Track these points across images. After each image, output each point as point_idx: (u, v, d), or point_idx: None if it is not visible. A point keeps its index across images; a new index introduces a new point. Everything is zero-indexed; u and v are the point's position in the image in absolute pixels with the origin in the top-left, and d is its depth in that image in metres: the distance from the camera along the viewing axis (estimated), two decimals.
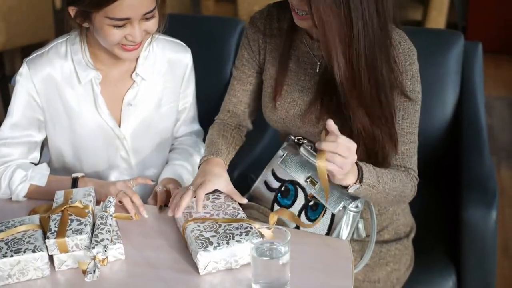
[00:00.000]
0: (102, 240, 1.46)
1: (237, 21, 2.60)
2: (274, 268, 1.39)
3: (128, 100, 1.86)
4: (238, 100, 1.84)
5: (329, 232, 1.67)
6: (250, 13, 2.00)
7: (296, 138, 1.75)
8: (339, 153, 1.44)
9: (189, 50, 1.95)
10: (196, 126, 2.08)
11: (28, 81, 1.81)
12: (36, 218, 1.57)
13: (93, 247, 1.44)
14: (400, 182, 1.63)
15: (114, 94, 1.86)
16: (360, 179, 1.55)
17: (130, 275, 1.49)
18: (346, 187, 1.56)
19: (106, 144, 1.89)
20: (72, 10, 1.72)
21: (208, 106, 2.42)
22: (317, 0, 1.47)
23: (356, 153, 1.48)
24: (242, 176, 2.09)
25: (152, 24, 1.72)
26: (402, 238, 1.84)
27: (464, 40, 2.37)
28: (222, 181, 1.67)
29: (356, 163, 1.54)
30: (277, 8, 1.77)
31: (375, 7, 1.51)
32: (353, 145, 1.46)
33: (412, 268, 1.89)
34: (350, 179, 1.53)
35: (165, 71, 1.91)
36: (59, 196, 1.62)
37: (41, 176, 1.80)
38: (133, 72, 1.86)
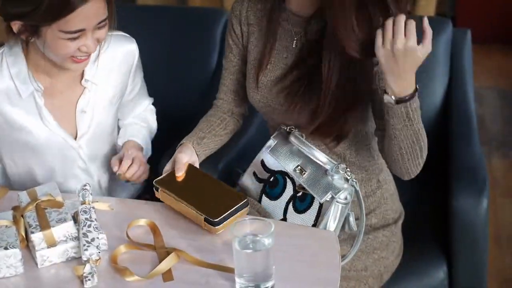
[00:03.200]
0: (93, 239, 1.42)
1: (222, 12, 2.57)
2: (258, 260, 1.35)
3: (81, 108, 1.78)
4: (227, 88, 1.86)
5: (316, 223, 1.66)
6: None
7: (288, 127, 1.74)
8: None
9: (134, 40, 1.85)
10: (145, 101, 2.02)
11: None
12: (8, 214, 1.52)
13: (86, 249, 1.40)
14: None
15: (64, 103, 1.77)
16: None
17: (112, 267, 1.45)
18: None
19: (60, 156, 1.81)
20: (15, 25, 1.61)
21: (193, 98, 2.42)
22: None
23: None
24: (227, 170, 2.06)
25: (104, 32, 1.65)
26: (390, 225, 1.81)
27: (453, 28, 2.34)
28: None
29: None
30: None
31: None
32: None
33: (401, 257, 1.87)
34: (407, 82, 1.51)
35: (112, 67, 1.81)
36: (23, 195, 1.55)
37: None
38: (82, 78, 1.77)
